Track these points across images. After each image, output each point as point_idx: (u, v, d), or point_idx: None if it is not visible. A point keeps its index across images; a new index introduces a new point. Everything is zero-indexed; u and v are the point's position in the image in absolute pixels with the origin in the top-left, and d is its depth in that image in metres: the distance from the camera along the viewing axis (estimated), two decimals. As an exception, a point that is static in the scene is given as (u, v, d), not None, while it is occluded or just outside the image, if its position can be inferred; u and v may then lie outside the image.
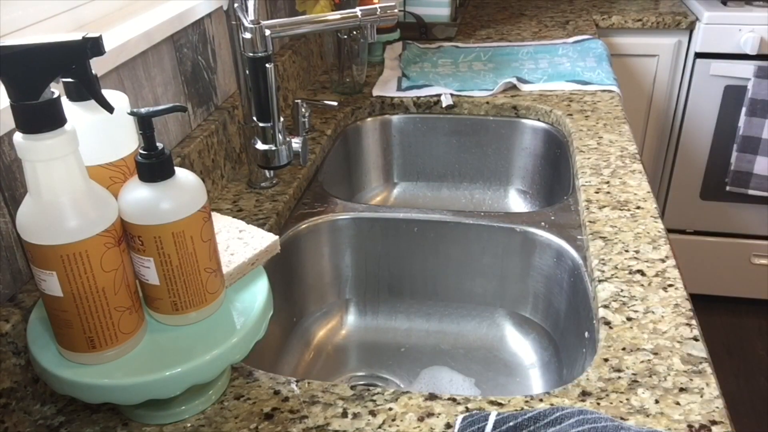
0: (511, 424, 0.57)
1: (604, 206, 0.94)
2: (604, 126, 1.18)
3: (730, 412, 0.63)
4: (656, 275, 0.80)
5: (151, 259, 0.58)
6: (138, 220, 0.56)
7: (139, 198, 0.56)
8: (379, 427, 0.61)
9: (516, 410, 0.62)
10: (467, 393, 0.95)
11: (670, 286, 0.78)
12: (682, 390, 0.64)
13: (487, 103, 1.32)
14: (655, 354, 0.68)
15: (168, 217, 0.56)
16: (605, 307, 0.75)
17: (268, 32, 0.88)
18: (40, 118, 0.49)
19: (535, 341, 1.01)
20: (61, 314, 0.55)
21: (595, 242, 0.87)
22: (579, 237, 0.93)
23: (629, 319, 0.73)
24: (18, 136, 0.50)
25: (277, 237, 0.72)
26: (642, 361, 0.67)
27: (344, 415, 0.63)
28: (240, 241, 0.71)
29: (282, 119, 0.95)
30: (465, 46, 1.61)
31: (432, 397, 0.64)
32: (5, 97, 0.50)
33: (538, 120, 1.30)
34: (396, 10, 0.97)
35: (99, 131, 0.58)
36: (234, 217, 0.78)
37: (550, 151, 1.27)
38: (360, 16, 0.95)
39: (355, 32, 1.32)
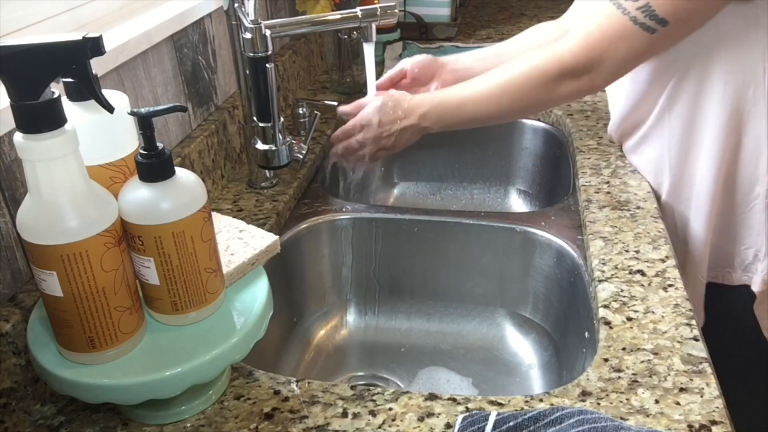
0: (511, 424, 0.57)
1: (604, 206, 0.94)
2: (604, 126, 1.18)
3: (730, 411, 0.63)
4: (656, 275, 0.80)
5: (152, 259, 0.58)
6: (138, 220, 0.56)
7: (140, 198, 0.56)
8: (379, 427, 0.61)
9: (516, 410, 0.62)
10: (465, 393, 0.95)
11: (670, 286, 0.78)
12: (682, 390, 0.64)
13: (487, 103, 1.32)
14: (655, 354, 0.68)
15: (168, 217, 0.56)
16: (605, 307, 0.75)
17: (268, 32, 0.88)
18: (40, 118, 0.49)
19: (535, 341, 1.01)
20: (61, 314, 0.55)
21: (595, 242, 0.87)
22: (579, 237, 0.93)
23: (629, 319, 0.73)
24: (18, 136, 0.50)
25: (277, 237, 0.72)
26: (642, 361, 0.67)
27: (344, 415, 0.63)
28: (240, 241, 0.71)
29: (282, 119, 0.95)
30: (465, 46, 1.61)
31: (432, 397, 0.64)
32: (5, 97, 0.50)
33: (539, 120, 1.29)
34: (396, 10, 0.97)
35: (99, 131, 0.58)
36: (234, 217, 0.78)
37: (551, 151, 1.27)
38: (360, 16, 0.95)
39: (355, 32, 1.32)
